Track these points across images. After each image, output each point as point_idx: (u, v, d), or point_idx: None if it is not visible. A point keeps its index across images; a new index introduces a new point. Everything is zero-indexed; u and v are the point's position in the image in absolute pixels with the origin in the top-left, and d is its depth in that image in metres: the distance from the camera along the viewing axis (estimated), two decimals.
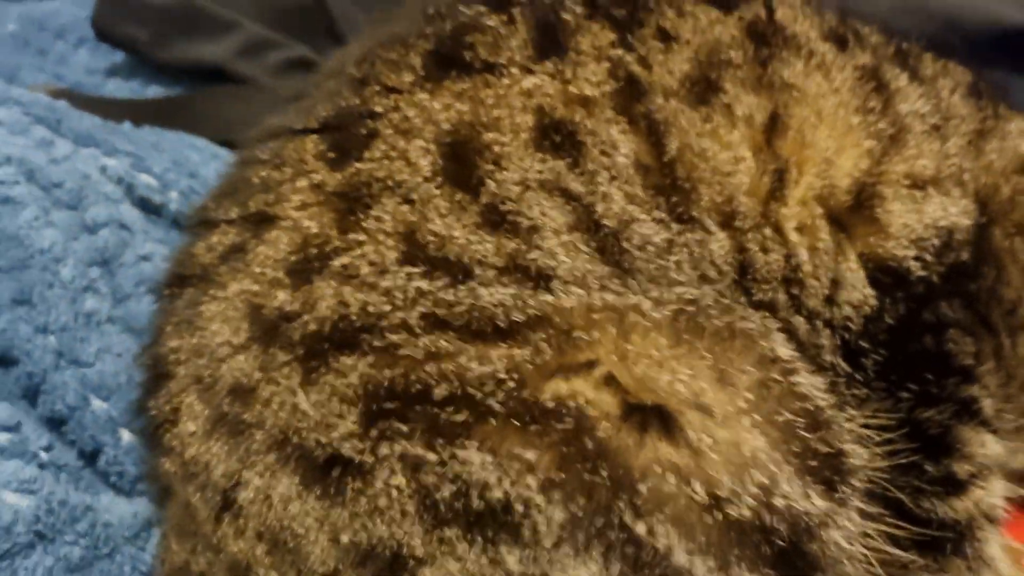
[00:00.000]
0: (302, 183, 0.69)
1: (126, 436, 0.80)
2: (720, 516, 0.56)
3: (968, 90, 0.79)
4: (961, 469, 0.68)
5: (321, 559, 0.59)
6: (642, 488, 0.56)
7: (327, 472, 0.59)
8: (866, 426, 0.65)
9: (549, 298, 0.61)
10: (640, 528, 0.55)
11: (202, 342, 0.67)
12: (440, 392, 0.58)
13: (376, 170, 0.68)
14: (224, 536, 0.63)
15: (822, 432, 0.60)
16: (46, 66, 1.25)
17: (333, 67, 0.79)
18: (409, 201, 0.66)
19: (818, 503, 0.59)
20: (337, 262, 0.65)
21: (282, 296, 0.65)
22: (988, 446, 0.69)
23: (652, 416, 0.57)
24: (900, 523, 0.66)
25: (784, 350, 0.62)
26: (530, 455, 0.56)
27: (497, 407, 0.57)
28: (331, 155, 0.70)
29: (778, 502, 0.57)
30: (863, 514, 0.63)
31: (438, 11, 0.75)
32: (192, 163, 1.04)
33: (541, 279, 0.63)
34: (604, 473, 0.55)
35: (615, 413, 0.57)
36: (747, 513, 0.56)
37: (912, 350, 0.67)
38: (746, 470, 0.57)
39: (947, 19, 0.98)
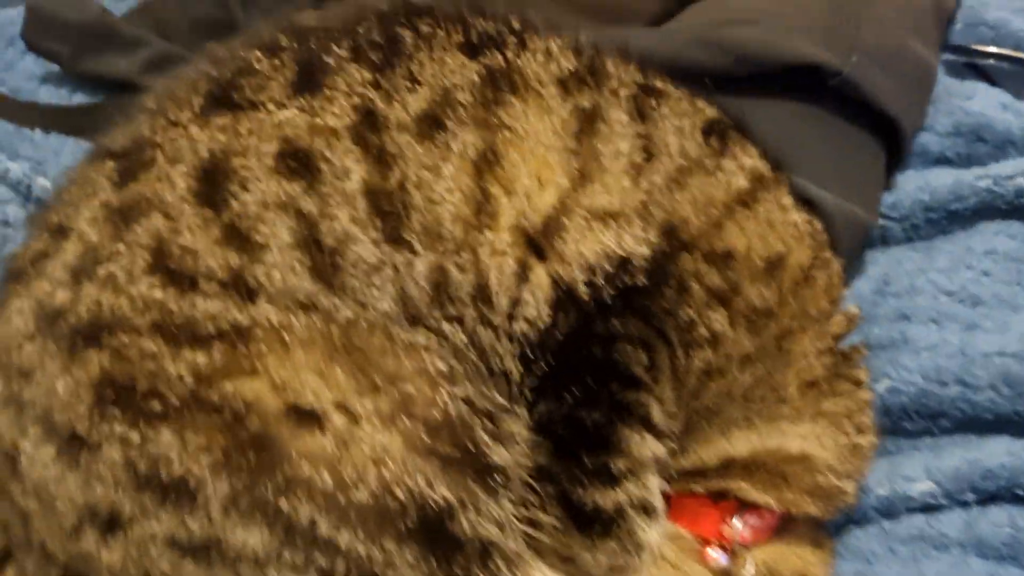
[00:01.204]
0: (94, 201, 0.83)
1: None
2: (347, 499, 0.69)
3: (701, 128, 0.88)
4: (616, 464, 0.78)
5: (66, 515, 0.73)
6: (286, 471, 0.69)
7: (71, 444, 0.73)
8: (529, 426, 0.76)
9: (241, 315, 0.74)
10: (284, 504, 0.68)
11: (5, 331, 0.81)
12: (142, 387, 0.72)
13: (146, 190, 0.81)
14: (13, 491, 0.77)
15: (460, 436, 0.72)
16: None
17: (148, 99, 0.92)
18: (167, 217, 0.79)
19: (445, 492, 0.71)
20: (102, 269, 0.78)
21: (61, 296, 0.78)
22: (647, 445, 0.79)
23: (305, 416, 0.70)
24: (553, 509, 0.77)
25: (439, 364, 0.74)
26: (202, 440, 0.69)
27: (177, 402, 0.70)
28: (116, 178, 0.83)
29: (399, 491, 0.70)
30: (514, 500, 0.75)
31: (224, 55, 0.87)
32: None
33: (250, 293, 0.75)
34: (253, 457, 0.68)
35: (276, 411, 0.70)
36: (367, 498, 0.69)
37: (579, 358, 0.78)
38: (372, 463, 0.70)
39: (739, 54, 1.06)
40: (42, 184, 1.18)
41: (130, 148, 0.85)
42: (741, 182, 0.87)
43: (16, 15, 1.50)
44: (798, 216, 0.89)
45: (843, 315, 0.90)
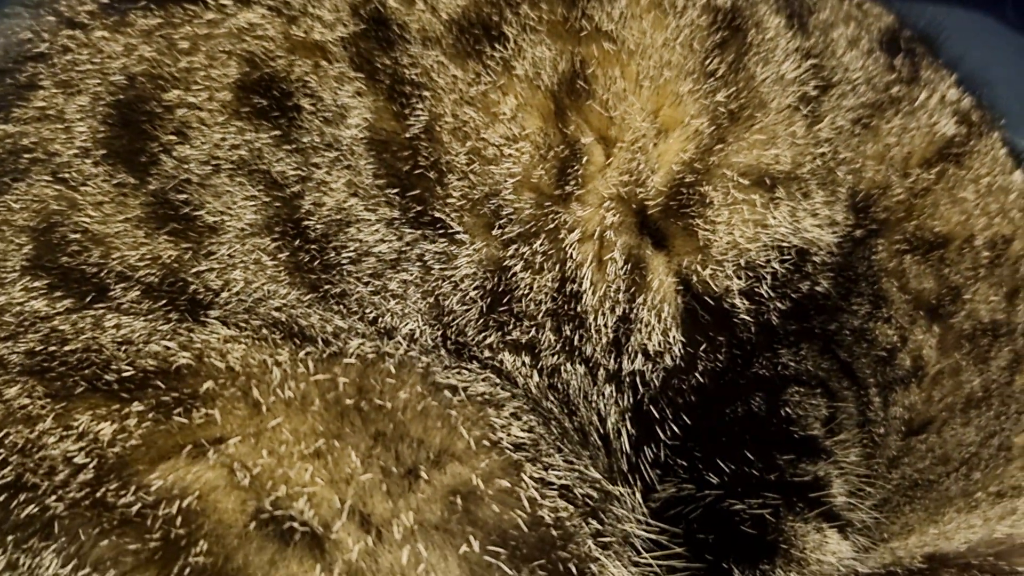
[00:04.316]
0: None
1: None
2: None
3: (881, 42, 0.59)
4: None
5: None
6: None
7: None
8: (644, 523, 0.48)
9: (178, 344, 0.44)
10: None
11: None
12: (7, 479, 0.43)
13: (25, 135, 0.51)
14: None
15: (557, 559, 0.43)
16: None
17: None
18: (60, 180, 0.49)
19: None
20: None
21: None
22: (829, 546, 0.51)
23: (289, 532, 0.41)
24: None
25: (516, 432, 0.45)
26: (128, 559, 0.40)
27: (60, 508, 0.41)
28: None
29: None
30: None
31: None
32: None
33: (194, 306, 0.46)
34: None
35: (238, 523, 0.41)
36: None
37: (730, 416, 0.49)
38: None
39: None
40: None
41: (2, 63, 0.55)
42: (947, 126, 0.57)
43: None
44: (1020, 177, 0.60)
45: None
